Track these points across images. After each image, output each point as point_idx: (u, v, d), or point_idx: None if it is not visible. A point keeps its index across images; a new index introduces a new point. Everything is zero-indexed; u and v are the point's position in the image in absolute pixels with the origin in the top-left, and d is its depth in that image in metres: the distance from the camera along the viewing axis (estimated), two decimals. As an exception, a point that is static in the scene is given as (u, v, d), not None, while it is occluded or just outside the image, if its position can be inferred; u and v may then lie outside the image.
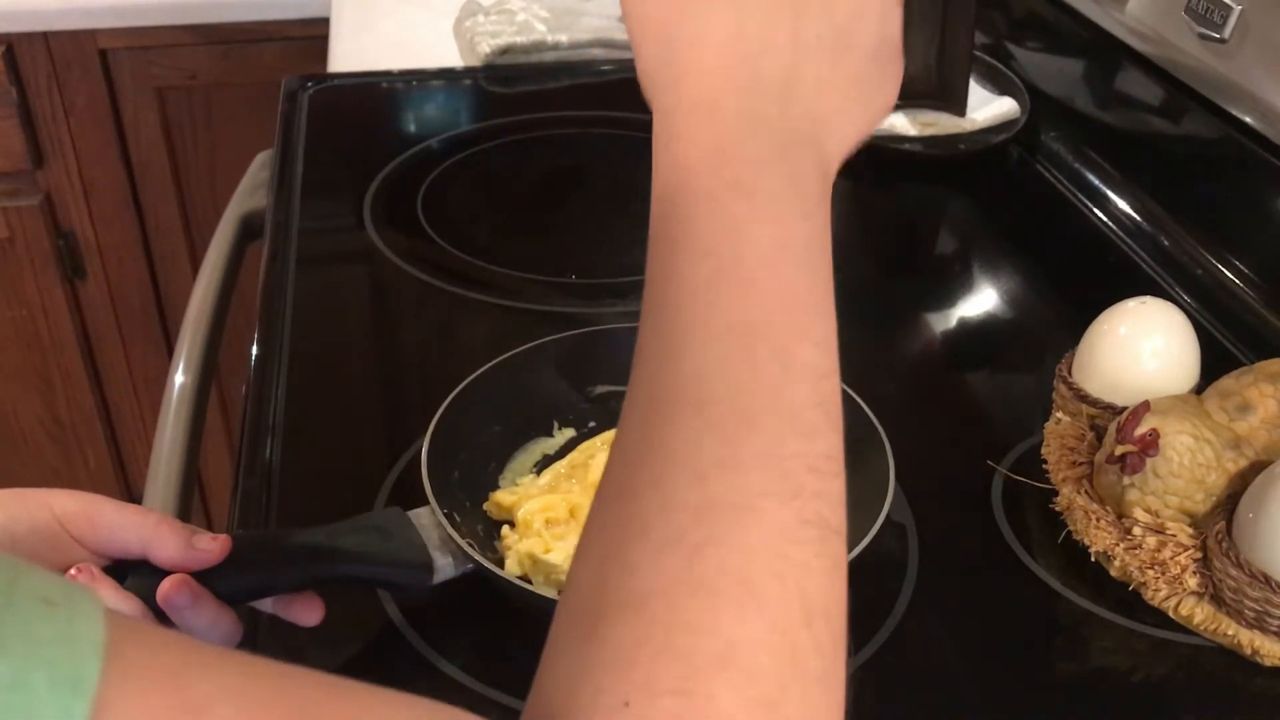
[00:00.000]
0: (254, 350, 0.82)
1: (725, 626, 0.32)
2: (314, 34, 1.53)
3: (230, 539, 0.52)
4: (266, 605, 0.56)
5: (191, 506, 0.91)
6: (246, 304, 0.92)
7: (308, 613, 0.56)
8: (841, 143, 0.43)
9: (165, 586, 0.49)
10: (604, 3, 1.40)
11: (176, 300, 1.73)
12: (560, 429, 0.72)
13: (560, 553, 0.61)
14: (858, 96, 0.43)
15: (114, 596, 0.49)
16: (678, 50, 0.41)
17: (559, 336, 0.74)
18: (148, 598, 0.50)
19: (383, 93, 1.25)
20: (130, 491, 1.86)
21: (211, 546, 0.51)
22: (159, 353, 1.78)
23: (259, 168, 1.16)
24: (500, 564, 0.61)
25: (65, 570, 0.50)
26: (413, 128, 1.20)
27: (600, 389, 0.73)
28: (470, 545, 0.58)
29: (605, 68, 1.30)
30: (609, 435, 0.70)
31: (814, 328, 0.38)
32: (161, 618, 0.51)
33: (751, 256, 0.38)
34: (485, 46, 1.27)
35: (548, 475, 0.68)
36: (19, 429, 1.78)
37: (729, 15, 0.40)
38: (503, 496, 0.66)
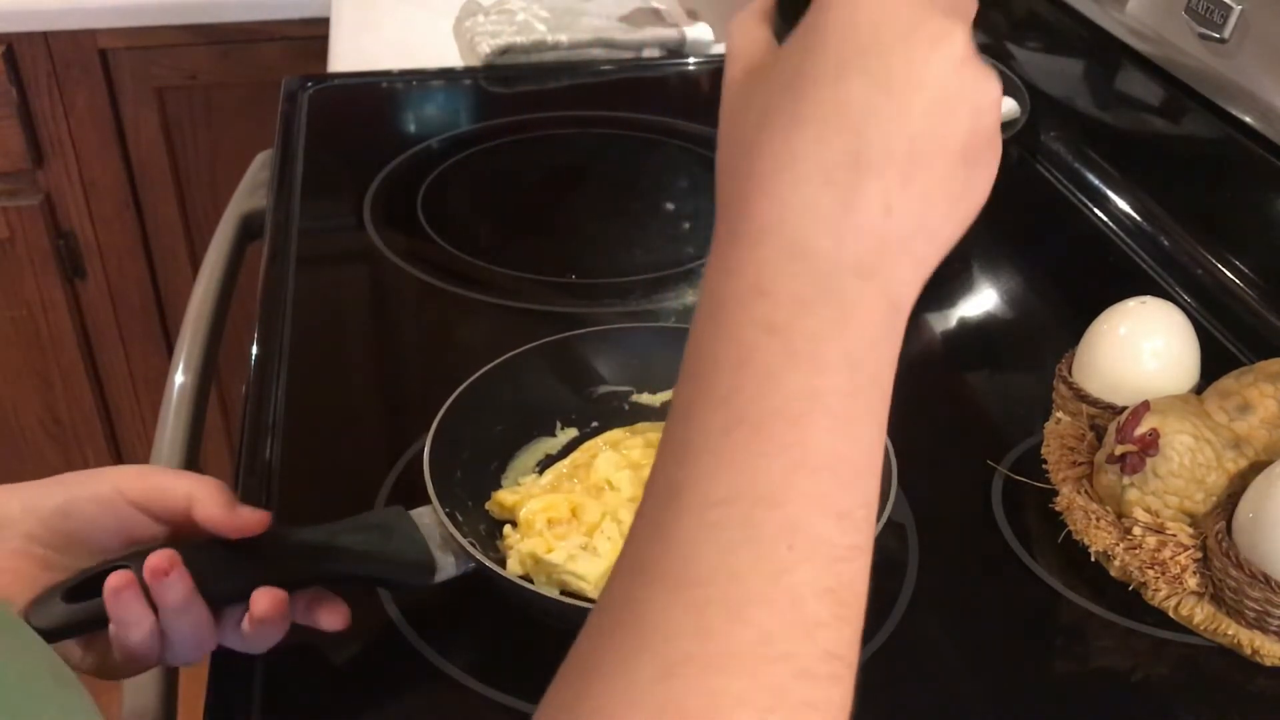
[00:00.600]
0: (254, 350, 0.82)
1: None
2: (314, 34, 1.53)
3: (270, 515, 0.53)
4: (296, 613, 0.55)
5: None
6: (246, 304, 0.92)
7: (332, 617, 0.55)
8: (918, 266, 0.38)
9: (153, 558, 0.49)
10: (604, 3, 1.40)
11: (176, 300, 1.73)
12: (563, 429, 0.72)
13: (562, 552, 0.61)
14: (938, 208, 0.37)
15: (192, 595, 0.50)
16: (741, 159, 0.38)
17: (561, 336, 0.74)
18: (206, 589, 0.51)
19: (383, 93, 1.25)
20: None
21: (252, 516, 0.52)
22: (159, 353, 1.78)
23: (259, 167, 1.16)
24: (502, 564, 0.61)
25: (129, 542, 0.52)
26: (413, 128, 1.20)
27: (603, 389, 0.73)
28: (472, 544, 0.58)
29: (605, 68, 1.30)
30: (611, 435, 0.70)
31: (840, 498, 0.34)
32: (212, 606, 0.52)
33: (775, 410, 0.34)
34: (485, 46, 1.27)
35: (550, 475, 0.68)
36: (19, 429, 1.78)
37: (786, 133, 0.36)
38: (505, 496, 0.66)
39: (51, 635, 0.50)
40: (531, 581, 0.61)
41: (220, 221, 1.08)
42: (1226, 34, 0.89)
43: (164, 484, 0.52)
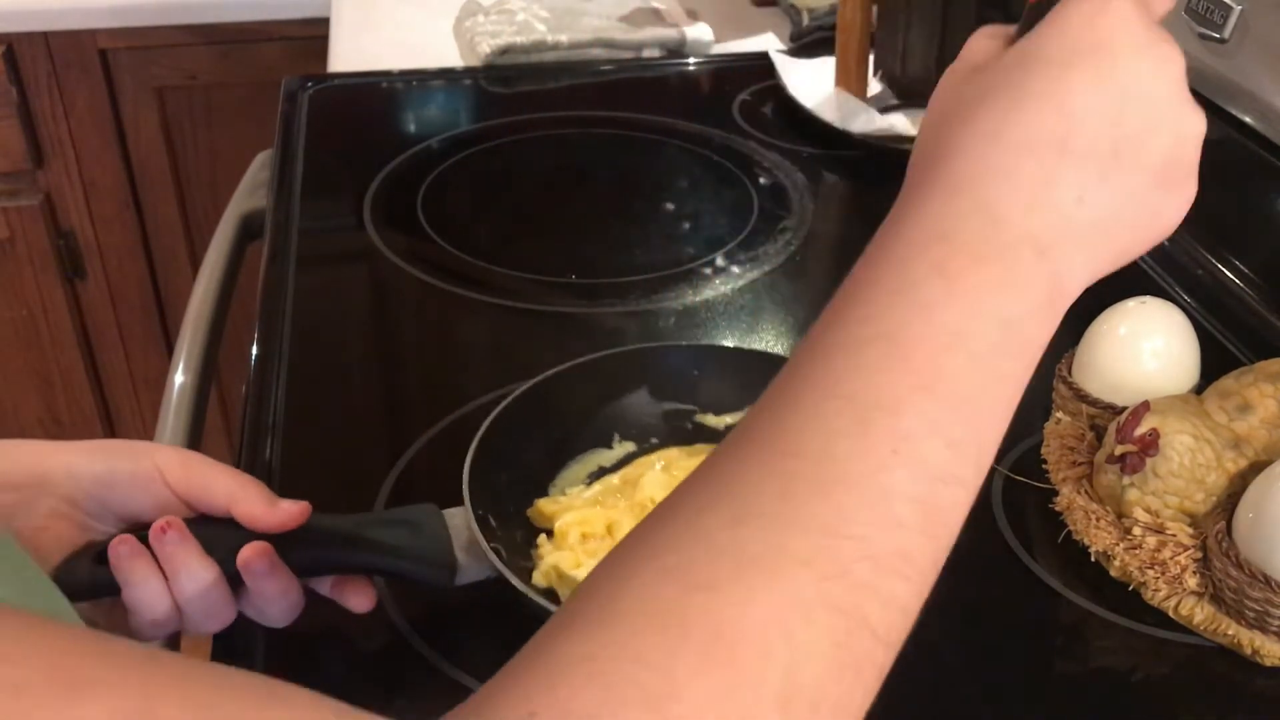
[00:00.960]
0: (254, 350, 0.82)
1: (678, 672, 0.30)
2: (314, 34, 1.53)
3: (309, 506, 0.54)
4: (324, 588, 0.56)
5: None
6: (246, 304, 0.92)
7: (359, 599, 0.56)
8: (1090, 264, 0.39)
9: (246, 552, 0.51)
10: (604, 3, 1.40)
11: (176, 300, 1.73)
12: (620, 441, 0.70)
13: (587, 568, 0.59)
14: (1126, 218, 0.40)
15: (196, 557, 0.51)
16: (948, 130, 0.40)
17: (631, 348, 0.74)
18: (225, 561, 0.52)
19: (383, 93, 1.25)
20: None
21: (293, 509, 0.53)
22: (159, 353, 1.78)
23: (259, 168, 1.16)
24: (529, 573, 0.60)
25: (153, 516, 0.52)
26: (413, 128, 1.20)
27: (668, 405, 0.71)
28: (497, 551, 0.57)
29: (605, 68, 1.30)
30: (668, 453, 0.68)
31: (956, 429, 0.35)
32: (234, 582, 0.53)
33: (920, 336, 0.35)
34: (485, 46, 1.27)
35: (597, 487, 0.66)
36: (19, 429, 1.78)
37: (1005, 106, 0.39)
38: (545, 505, 0.64)
39: (77, 595, 0.51)
40: (555, 596, 0.59)
41: (220, 221, 1.08)
42: (1226, 34, 0.89)
43: (206, 480, 0.53)
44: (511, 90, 1.27)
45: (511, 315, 0.89)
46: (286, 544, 0.53)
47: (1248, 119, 0.90)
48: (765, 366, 0.69)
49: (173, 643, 0.71)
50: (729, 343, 0.85)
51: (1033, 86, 0.39)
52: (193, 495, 0.53)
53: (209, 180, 1.69)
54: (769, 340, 0.86)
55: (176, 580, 0.51)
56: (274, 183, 1.05)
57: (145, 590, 0.51)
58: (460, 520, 0.58)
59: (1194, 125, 0.41)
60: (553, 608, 0.56)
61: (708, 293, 0.91)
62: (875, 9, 1.15)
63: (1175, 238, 0.96)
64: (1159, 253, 0.96)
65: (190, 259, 1.73)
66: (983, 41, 0.45)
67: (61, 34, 1.54)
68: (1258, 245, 0.89)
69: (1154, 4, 0.42)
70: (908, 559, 0.34)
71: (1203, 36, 0.92)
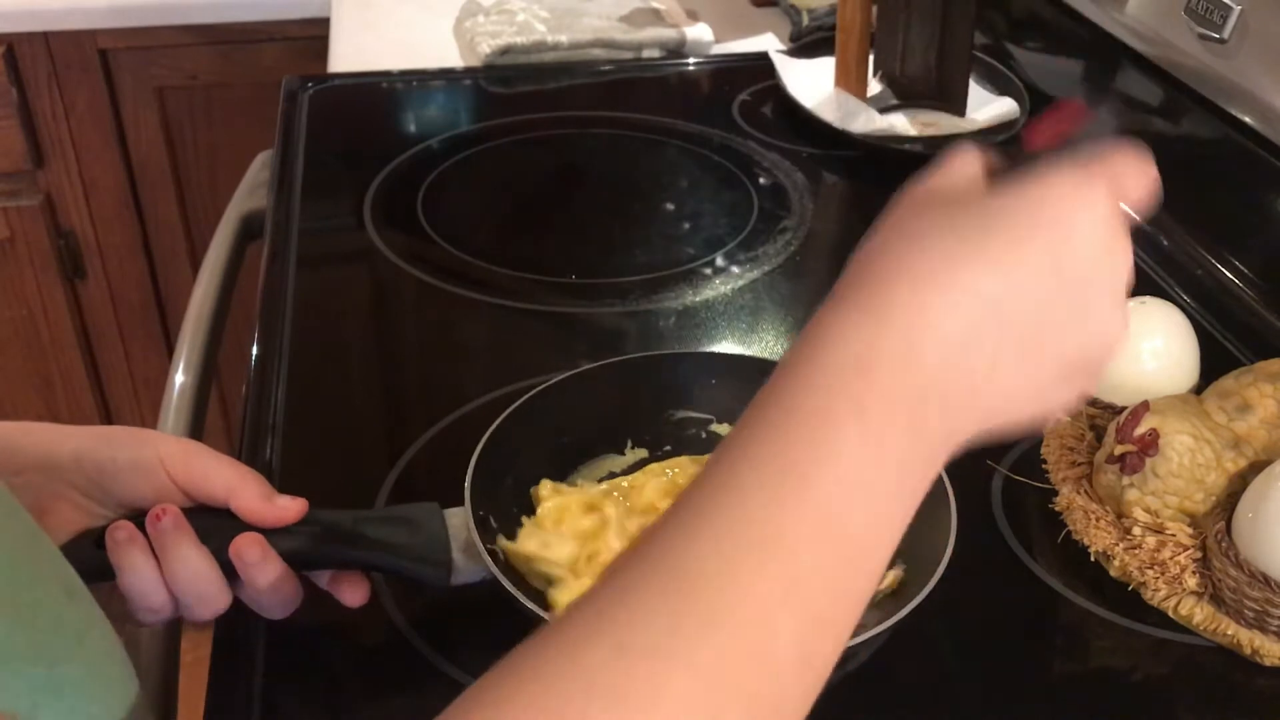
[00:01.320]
0: (254, 350, 0.82)
1: None
2: (314, 34, 1.53)
3: (306, 503, 0.55)
4: (322, 580, 0.57)
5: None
6: (246, 304, 0.92)
7: (353, 593, 0.56)
8: (973, 432, 0.40)
9: (239, 542, 0.52)
10: (604, 3, 1.40)
11: (176, 300, 1.73)
12: (633, 448, 0.69)
13: (557, 550, 0.59)
14: (1019, 400, 0.41)
15: (189, 545, 0.52)
16: (899, 251, 0.40)
17: (647, 354, 0.73)
18: (220, 550, 0.53)
19: (383, 93, 1.25)
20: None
21: (290, 505, 0.54)
22: (159, 353, 1.78)
23: (259, 168, 1.16)
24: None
25: (153, 505, 0.53)
26: (413, 128, 1.20)
27: (681, 414, 0.70)
28: (494, 554, 0.56)
29: (605, 68, 1.30)
30: (679, 461, 0.67)
31: (844, 575, 0.36)
32: (228, 573, 0.53)
33: (829, 480, 0.36)
34: (485, 47, 1.27)
35: (605, 485, 0.65)
36: (19, 429, 1.78)
37: (956, 252, 0.39)
38: (543, 489, 0.63)
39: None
40: (543, 601, 0.58)
41: (220, 222, 1.08)
42: (1226, 34, 0.89)
43: (206, 471, 0.54)
44: (512, 90, 1.27)
45: (511, 315, 0.89)
46: (282, 536, 0.54)
47: (1247, 119, 0.90)
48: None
49: (173, 630, 0.71)
50: (729, 343, 0.85)
51: (989, 246, 0.39)
52: (192, 485, 0.54)
53: (209, 180, 1.69)
54: (769, 340, 0.86)
55: (170, 567, 0.52)
56: (274, 183, 1.05)
57: (139, 576, 0.52)
58: (460, 520, 0.58)
59: (1118, 331, 0.42)
60: (544, 614, 0.56)
61: (708, 293, 0.91)
62: (875, 9, 1.15)
63: (1175, 238, 0.97)
64: (1159, 253, 0.96)
65: (190, 259, 1.73)
66: (962, 166, 0.44)
67: (62, 34, 1.54)
68: (1257, 245, 0.89)
69: (1129, 190, 0.42)
70: (779, 709, 0.34)
71: (1202, 37, 0.92)
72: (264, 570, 0.53)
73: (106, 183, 1.66)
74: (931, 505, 0.59)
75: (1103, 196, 0.41)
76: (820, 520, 0.35)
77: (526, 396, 0.65)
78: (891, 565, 0.59)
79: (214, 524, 0.53)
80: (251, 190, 1.12)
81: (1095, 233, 0.41)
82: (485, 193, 1.08)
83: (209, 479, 0.54)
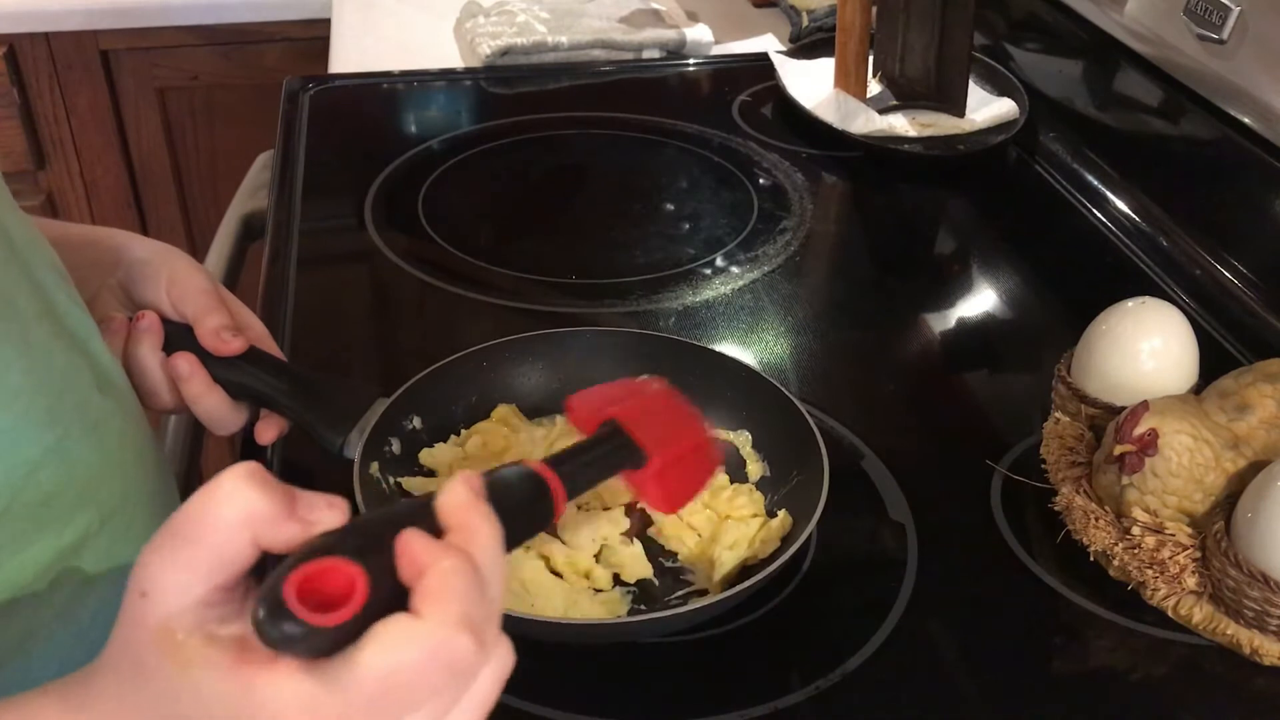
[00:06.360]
0: (255, 350, 0.82)
1: None
2: (315, 35, 1.54)
3: (247, 343, 0.64)
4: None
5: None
6: (248, 304, 0.92)
7: (265, 431, 0.65)
8: None
9: (173, 357, 0.63)
10: (604, 4, 1.40)
11: (177, 301, 1.73)
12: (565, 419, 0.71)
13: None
14: None
15: (148, 347, 0.63)
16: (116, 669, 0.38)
17: (604, 330, 0.77)
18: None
19: (384, 93, 1.26)
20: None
21: (232, 341, 0.63)
22: (160, 353, 1.78)
23: (260, 168, 1.16)
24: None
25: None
26: (413, 128, 1.20)
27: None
28: (382, 441, 0.65)
29: (605, 68, 1.30)
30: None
31: None
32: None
33: None
34: (486, 48, 1.27)
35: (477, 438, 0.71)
36: (20, 429, 1.78)
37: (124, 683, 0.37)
38: (436, 452, 0.69)
39: None
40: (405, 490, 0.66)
41: (221, 222, 1.08)
42: (1225, 35, 0.89)
43: (185, 295, 0.64)
44: (512, 91, 1.27)
45: (511, 315, 0.89)
46: (222, 365, 0.63)
47: (1246, 119, 0.90)
48: (730, 365, 0.73)
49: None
50: (729, 343, 0.85)
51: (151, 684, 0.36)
52: (174, 304, 0.64)
53: (210, 181, 1.69)
54: (768, 340, 0.86)
55: (136, 354, 0.62)
56: (275, 183, 1.05)
57: (133, 366, 0.63)
58: (378, 409, 0.65)
59: None
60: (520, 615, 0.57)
61: (707, 293, 0.91)
62: (874, 10, 1.15)
63: (1174, 238, 0.97)
64: (1158, 253, 0.96)
65: (191, 259, 1.73)
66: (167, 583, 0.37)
67: (63, 35, 1.54)
68: (1257, 245, 0.90)
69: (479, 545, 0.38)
70: None
71: (1201, 37, 0.92)
72: (192, 385, 0.62)
73: (108, 183, 1.66)
74: (805, 452, 0.65)
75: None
76: None
77: (496, 342, 0.73)
78: (774, 513, 0.65)
79: (180, 338, 0.63)
80: (252, 191, 1.12)
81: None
82: (486, 193, 1.08)
83: (184, 303, 0.64)
